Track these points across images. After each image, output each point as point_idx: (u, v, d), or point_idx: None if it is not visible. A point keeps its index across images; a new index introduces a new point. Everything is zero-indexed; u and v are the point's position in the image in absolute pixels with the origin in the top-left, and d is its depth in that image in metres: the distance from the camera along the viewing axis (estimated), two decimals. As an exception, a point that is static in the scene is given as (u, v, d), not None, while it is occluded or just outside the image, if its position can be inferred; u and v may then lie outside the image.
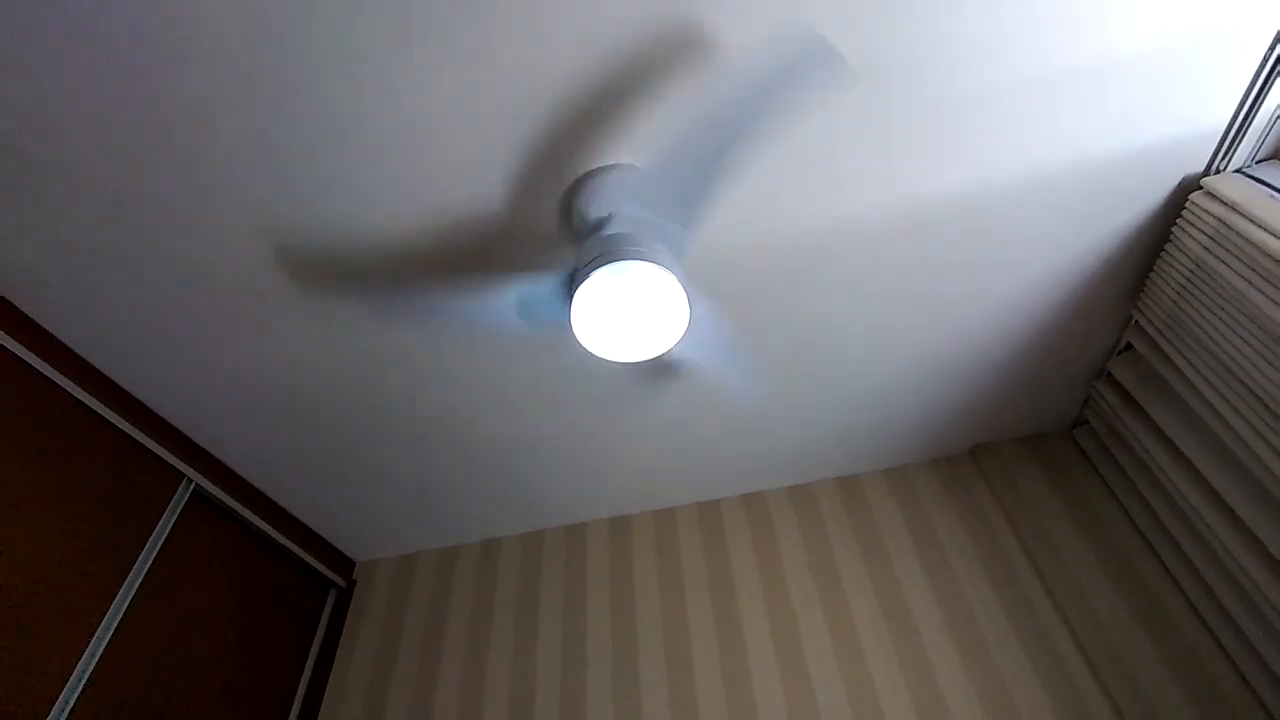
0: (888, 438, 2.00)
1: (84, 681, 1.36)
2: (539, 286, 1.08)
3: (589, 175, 1.15)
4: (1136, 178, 1.29)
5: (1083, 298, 1.56)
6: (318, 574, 2.16)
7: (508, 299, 1.11)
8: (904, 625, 1.78)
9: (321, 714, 1.97)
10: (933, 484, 2.06)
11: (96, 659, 1.39)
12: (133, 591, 1.50)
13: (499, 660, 1.97)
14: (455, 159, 1.11)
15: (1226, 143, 1.24)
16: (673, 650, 1.87)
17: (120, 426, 1.52)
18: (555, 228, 1.23)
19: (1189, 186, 1.31)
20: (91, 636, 1.39)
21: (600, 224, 1.09)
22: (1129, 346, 1.67)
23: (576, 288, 1.01)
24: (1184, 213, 1.32)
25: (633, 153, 1.12)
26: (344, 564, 2.29)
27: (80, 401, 1.45)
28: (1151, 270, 1.46)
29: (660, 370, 1.61)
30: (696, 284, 1.19)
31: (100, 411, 1.48)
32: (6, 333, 1.31)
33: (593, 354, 1.09)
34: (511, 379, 1.61)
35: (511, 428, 1.78)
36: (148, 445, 1.58)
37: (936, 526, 1.96)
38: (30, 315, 1.36)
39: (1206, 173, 1.29)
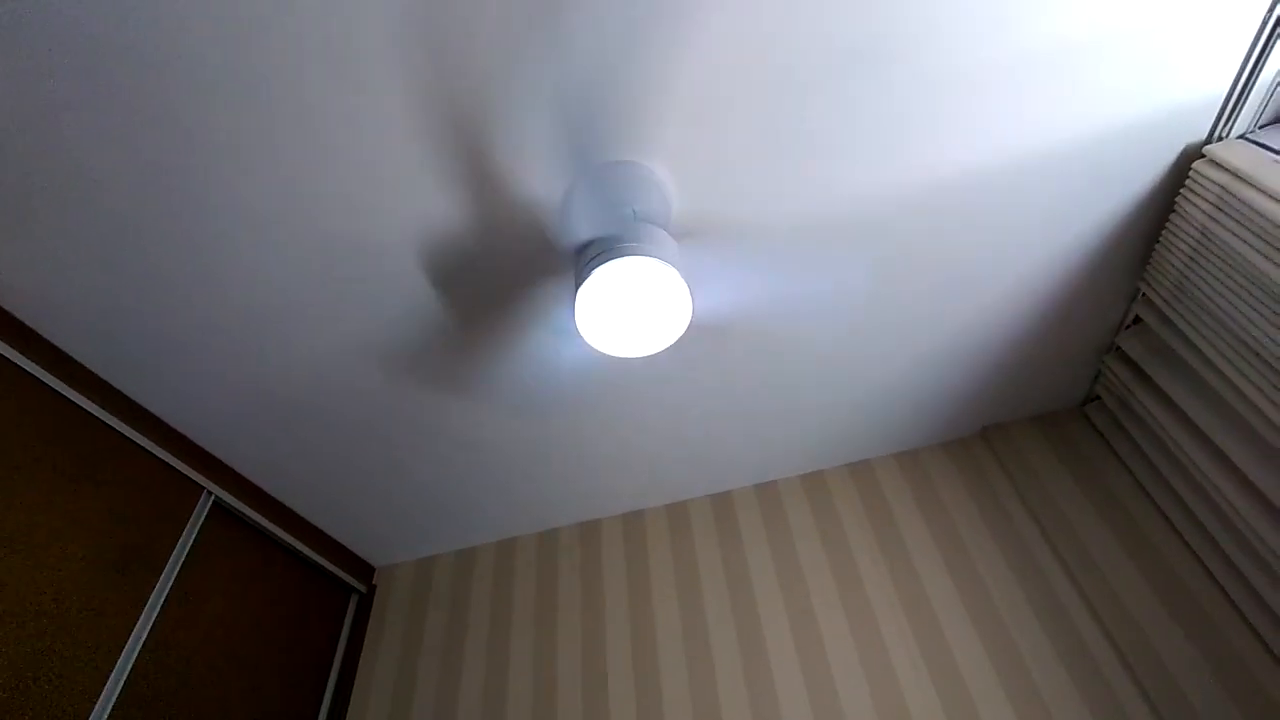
0: (898, 422, 2.00)
1: (117, 691, 1.38)
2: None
3: (590, 174, 1.15)
4: (1138, 149, 1.29)
5: (1088, 274, 1.55)
6: (339, 580, 2.19)
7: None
8: (920, 607, 1.78)
9: (349, 714, 2.01)
10: (945, 466, 2.06)
11: (128, 671, 1.42)
12: (160, 604, 1.52)
13: (520, 656, 1.99)
14: (447, 160, 1.12)
15: (1228, 109, 1.23)
16: (691, 638, 1.89)
17: (139, 442, 1.55)
18: (557, 227, 1.24)
19: (1192, 155, 1.30)
20: (121, 650, 1.42)
21: (603, 221, 1.10)
22: (1137, 320, 1.67)
23: (580, 284, 1.02)
24: (1188, 182, 1.31)
25: (639, 152, 1.13)
26: (364, 569, 2.31)
27: (99, 419, 1.47)
28: (1157, 242, 1.45)
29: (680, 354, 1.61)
30: (694, 269, 1.19)
31: (119, 429, 1.50)
32: (29, 357, 1.33)
33: (599, 350, 1.11)
34: (518, 380, 1.62)
35: (521, 428, 1.80)
36: (166, 460, 1.61)
37: (950, 508, 1.96)
38: (50, 339, 1.38)
39: (1209, 140, 1.28)
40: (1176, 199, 1.35)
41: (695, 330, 1.49)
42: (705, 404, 1.80)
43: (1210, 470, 1.46)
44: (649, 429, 1.87)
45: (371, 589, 2.31)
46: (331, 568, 2.13)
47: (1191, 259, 1.35)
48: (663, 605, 1.98)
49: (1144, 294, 1.57)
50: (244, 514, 1.81)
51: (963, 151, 1.23)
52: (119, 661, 1.41)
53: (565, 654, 1.96)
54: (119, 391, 1.52)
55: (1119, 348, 1.74)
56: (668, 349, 1.14)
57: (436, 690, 1.99)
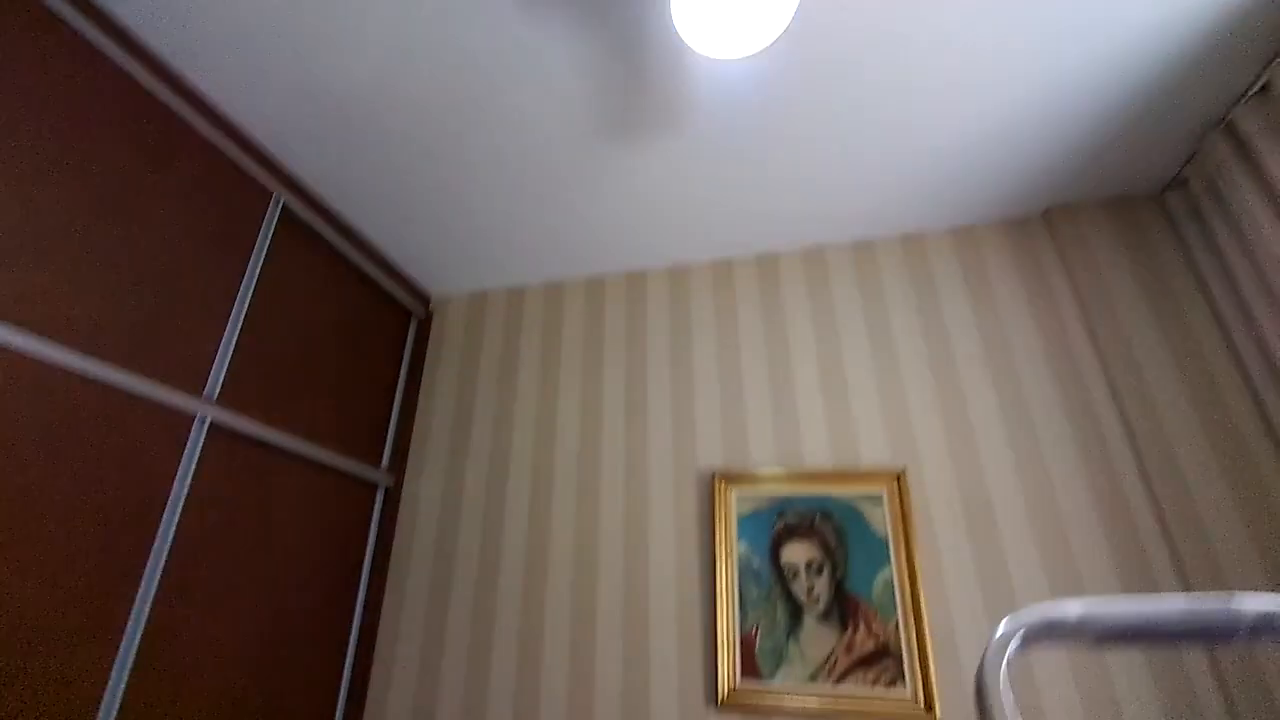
0: (959, 191, 1.92)
1: (226, 363, 1.58)
2: None
3: None
4: None
5: (1224, 26, 1.36)
6: (398, 302, 2.35)
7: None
8: (949, 376, 1.88)
9: (416, 421, 2.30)
10: (1000, 245, 2.03)
11: (233, 347, 1.60)
12: (250, 290, 1.67)
13: (569, 384, 2.20)
14: None
15: None
16: (727, 380, 2.06)
17: (210, 139, 1.58)
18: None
19: None
20: (225, 322, 1.59)
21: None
22: (1264, 89, 1.51)
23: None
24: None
25: None
26: (421, 295, 2.47)
27: (173, 110, 1.48)
28: (1329, -20, 1.25)
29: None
30: None
31: (191, 121, 1.52)
32: (120, 46, 1.31)
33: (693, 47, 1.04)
34: (581, 107, 1.56)
35: (573, 161, 1.78)
36: (236, 160, 1.64)
37: (995, 289, 1.97)
38: (123, 23, 1.33)
39: None
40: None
41: (762, 55, 1.38)
42: (759, 148, 1.73)
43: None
44: (700, 175, 1.83)
45: (429, 315, 2.49)
46: (391, 287, 2.27)
47: (1365, 0, 1.18)
48: (702, 352, 2.12)
49: (1286, 52, 1.40)
50: (311, 223, 1.89)
51: None
52: (224, 335, 1.58)
53: (611, 384, 2.16)
54: (193, 86, 1.51)
55: (1230, 121, 1.60)
56: (733, 74, 1.07)
57: (495, 409, 2.24)
